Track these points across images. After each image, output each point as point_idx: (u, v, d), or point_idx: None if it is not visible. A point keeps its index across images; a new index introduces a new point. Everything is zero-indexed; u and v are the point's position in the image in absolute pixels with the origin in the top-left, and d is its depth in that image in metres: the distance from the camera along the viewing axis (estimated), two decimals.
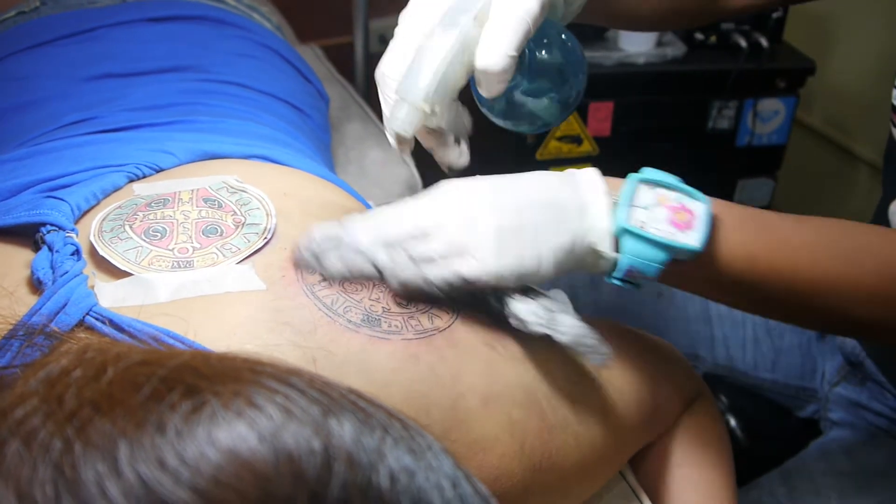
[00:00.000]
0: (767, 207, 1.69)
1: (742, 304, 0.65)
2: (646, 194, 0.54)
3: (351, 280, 0.52)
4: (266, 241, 0.53)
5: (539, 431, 0.53)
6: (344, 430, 0.29)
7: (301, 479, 0.27)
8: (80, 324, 0.44)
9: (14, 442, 0.26)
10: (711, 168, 1.64)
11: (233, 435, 0.27)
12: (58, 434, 0.26)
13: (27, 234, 0.52)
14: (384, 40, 2.03)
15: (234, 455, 0.26)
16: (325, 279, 0.51)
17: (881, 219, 0.90)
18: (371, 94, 1.70)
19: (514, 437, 0.52)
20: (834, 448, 0.94)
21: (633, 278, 0.54)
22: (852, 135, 1.74)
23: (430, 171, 1.34)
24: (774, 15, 1.47)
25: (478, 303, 0.55)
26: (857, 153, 1.73)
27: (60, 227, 0.51)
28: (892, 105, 0.75)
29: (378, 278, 0.52)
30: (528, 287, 0.55)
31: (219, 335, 0.46)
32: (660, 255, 0.52)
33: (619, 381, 0.62)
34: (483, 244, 0.50)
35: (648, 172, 0.55)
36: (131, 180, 0.59)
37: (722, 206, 0.56)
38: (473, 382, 0.51)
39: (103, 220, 0.53)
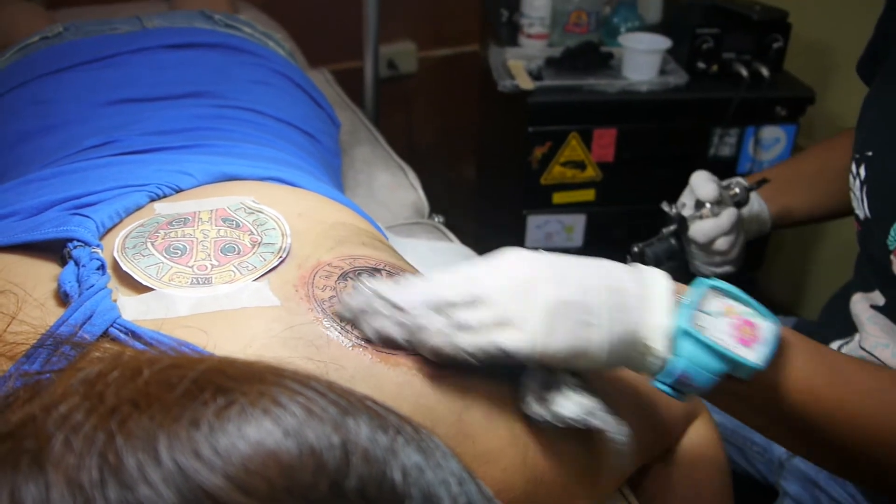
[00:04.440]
0: (768, 236, 1.71)
1: (792, 441, 0.60)
2: (713, 301, 0.52)
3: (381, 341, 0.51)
4: (281, 259, 0.55)
5: (541, 445, 0.55)
6: (360, 429, 0.31)
7: (322, 470, 0.29)
8: (105, 335, 0.47)
9: (60, 434, 0.28)
10: None
11: (260, 430, 0.29)
12: (101, 427, 0.28)
13: (54, 249, 0.54)
14: (393, 65, 2.07)
15: (262, 447, 0.29)
16: (335, 295, 0.53)
17: (843, 297, 0.89)
18: (380, 118, 1.74)
19: (518, 450, 0.53)
20: None
21: (682, 386, 0.51)
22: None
23: (436, 195, 1.37)
24: (775, 45, 1.50)
25: (511, 377, 0.53)
26: None
27: (86, 243, 0.53)
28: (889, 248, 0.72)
29: (406, 346, 0.50)
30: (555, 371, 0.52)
31: (236, 348, 0.48)
32: (716, 366, 0.50)
33: (620, 398, 0.63)
34: (533, 316, 0.48)
35: (720, 282, 0.53)
36: (152, 199, 0.62)
37: (790, 332, 0.54)
38: (478, 398, 0.53)
39: (126, 237, 0.55)
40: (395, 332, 0.50)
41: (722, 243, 0.91)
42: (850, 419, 0.54)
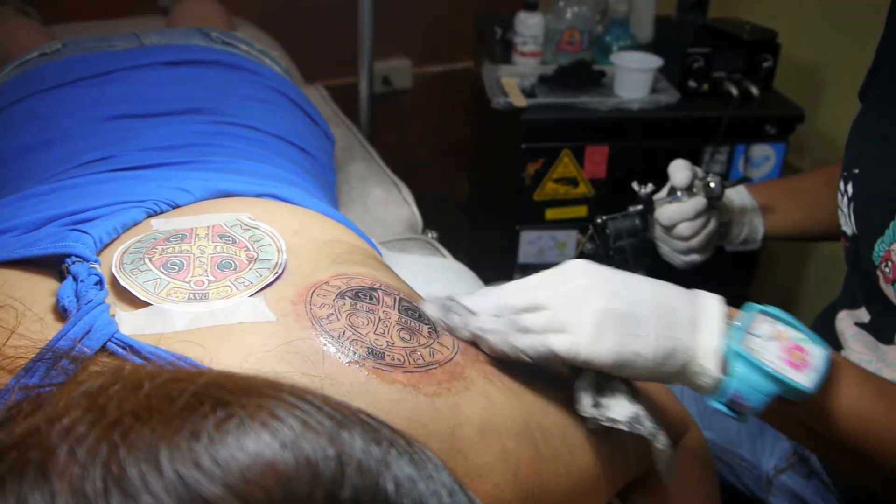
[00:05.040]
0: (759, 251, 1.73)
1: (838, 459, 0.62)
2: (764, 326, 0.54)
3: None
4: (277, 275, 0.56)
5: (532, 461, 0.55)
6: (354, 441, 0.32)
7: (318, 480, 0.30)
8: (103, 349, 0.48)
9: (64, 446, 0.29)
10: None
11: (259, 441, 0.30)
12: (104, 439, 0.29)
13: (52, 265, 0.55)
14: (387, 81, 2.09)
15: (260, 458, 0.30)
16: (333, 313, 0.54)
17: (830, 315, 0.90)
18: (374, 134, 1.75)
19: (509, 466, 0.54)
20: None
21: (737, 406, 0.53)
22: None
23: (430, 210, 1.38)
24: (764, 64, 1.52)
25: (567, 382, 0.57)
26: None
27: (85, 259, 0.54)
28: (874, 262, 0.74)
29: (470, 338, 0.57)
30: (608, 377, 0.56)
31: (232, 362, 0.49)
32: (769, 387, 0.52)
33: None
34: (583, 323, 0.52)
35: (770, 308, 0.55)
36: (149, 216, 0.63)
37: (840, 358, 0.56)
38: (471, 414, 0.53)
39: (124, 252, 0.56)
40: (464, 331, 0.56)
41: (683, 228, 0.94)
42: None
